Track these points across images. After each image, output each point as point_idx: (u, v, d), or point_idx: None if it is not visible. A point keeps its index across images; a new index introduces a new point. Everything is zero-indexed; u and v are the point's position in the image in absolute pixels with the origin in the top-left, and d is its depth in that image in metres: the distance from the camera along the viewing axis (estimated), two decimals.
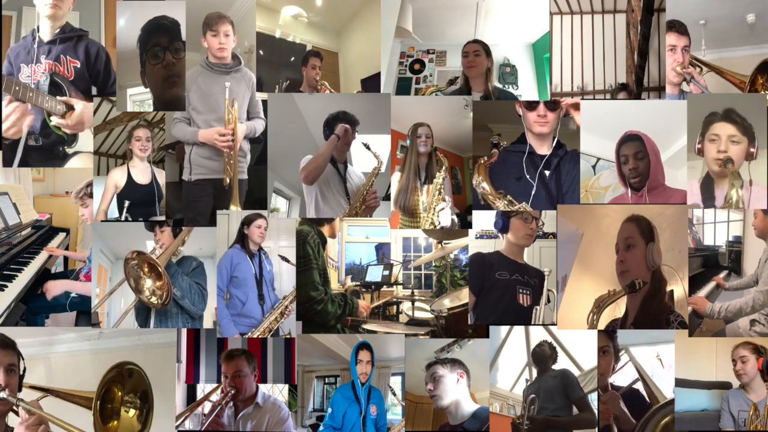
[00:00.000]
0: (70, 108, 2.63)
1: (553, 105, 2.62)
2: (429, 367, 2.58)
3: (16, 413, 2.09)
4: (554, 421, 2.52)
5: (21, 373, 2.19)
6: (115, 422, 2.32)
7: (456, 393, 2.55)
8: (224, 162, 2.64)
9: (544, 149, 2.64)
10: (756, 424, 2.53)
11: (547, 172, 2.62)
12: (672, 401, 2.58)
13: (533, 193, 2.60)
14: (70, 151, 2.67)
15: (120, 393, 2.34)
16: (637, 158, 2.55)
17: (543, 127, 2.62)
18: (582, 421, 2.53)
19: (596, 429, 2.55)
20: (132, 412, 2.36)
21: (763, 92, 2.61)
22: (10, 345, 2.18)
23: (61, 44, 2.63)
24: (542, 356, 2.58)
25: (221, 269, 2.65)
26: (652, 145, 2.55)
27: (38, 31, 2.63)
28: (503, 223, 2.58)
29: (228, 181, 2.65)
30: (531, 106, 2.63)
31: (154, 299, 2.53)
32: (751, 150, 2.55)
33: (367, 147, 2.69)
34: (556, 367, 2.59)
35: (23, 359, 2.21)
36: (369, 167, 2.71)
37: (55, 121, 2.62)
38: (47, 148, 2.66)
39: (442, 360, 2.59)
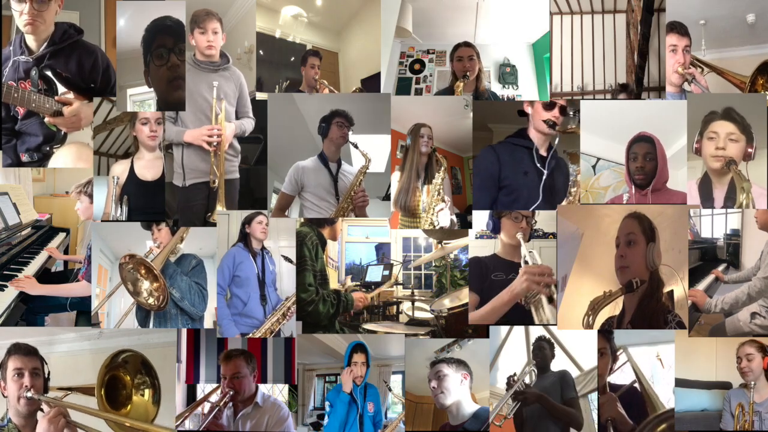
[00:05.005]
0: (66, 104, 2.60)
1: (563, 110, 2.61)
2: (433, 365, 2.58)
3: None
4: (546, 399, 2.52)
5: (46, 376, 2.37)
6: (128, 407, 2.46)
7: (459, 393, 2.55)
8: (211, 162, 2.64)
9: (543, 150, 2.64)
10: (743, 422, 2.53)
11: (545, 172, 2.62)
12: (670, 411, 2.58)
13: (542, 184, 2.60)
14: (55, 149, 2.65)
15: (128, 377, 2.47)
16: (646, 158, 2.58)
17: (551, 129, 2.62)
18: (571, 415, 2.53)
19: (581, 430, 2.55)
20: (147, 393, 2.50)
21: (763, 92, 2.61)
22: (32, 351, 2.36)
23: (51, 59, 2.59)
24: (542, 352, 2.59)
25: (223, 268, 2.65)
26: (662, 149, 2.58)
27: (24, 42, 2.58)
28: (494, 224, 2.59)
29: (215, 181, 2.64)
30: (549, 105, 2.61)
31: (151, 300, 2.53)
32: (749, 150, 2.56)
33: (355, 146, 2.68)
34: (555, 364, 2.60)
35: (47, 364, 2.38)
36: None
37: (49, 119, 2.61)
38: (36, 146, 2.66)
39: (447, 359, 2.58)
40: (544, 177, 2.60)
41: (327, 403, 2.65)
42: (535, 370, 2.59)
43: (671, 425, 2.56)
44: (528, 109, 2.64)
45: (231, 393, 2.57)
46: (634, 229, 2.49)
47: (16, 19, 2.56)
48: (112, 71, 2.65)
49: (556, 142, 2.62)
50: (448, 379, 2.54)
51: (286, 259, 2.65)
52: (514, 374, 2.58)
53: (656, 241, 2.48)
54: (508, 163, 2.61)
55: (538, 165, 2.60)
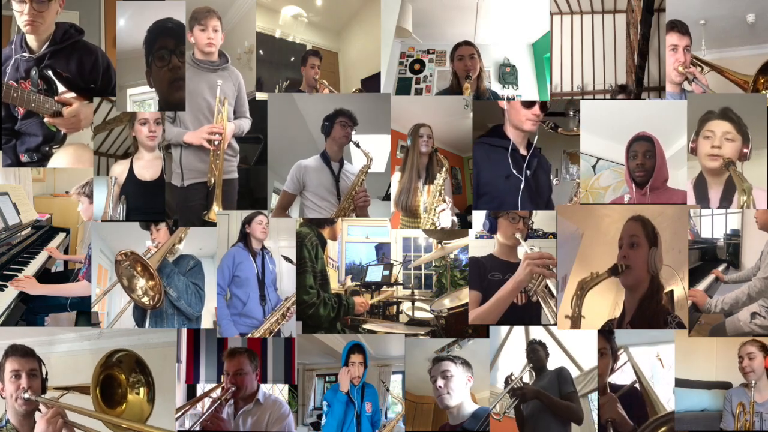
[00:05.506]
0: (66, 105, 2.61)
1: (543, 107, 2.61)
2: (437, 362, 2.57)
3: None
4: (544, 395, 2.52)
5: (44, 376, 2.39)
6: (123, 406, 2.47)
7: (463, 394, 2.55)
8: (210, 161, 2.64)
9: (522, 149, 2.64)
10: (743, 421, 2.53)
11: (528, 172, 2.62)
12: (670, 413, 2.58)
13: (522, 187, 2.60)
14: (56, 151, 2.65)
15: (123, 376, 2.48)
16: (645, 156, 2.58)
17: (535, 126, 2.61)
18: (570, 409, 2.51)
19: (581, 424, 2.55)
20: (141, 391, 2.50)
21: (763, 92, 2.61)
22: (30, 353, 2.38)
23: (51, 59, 2.59)
24: (535, 354, 2.60)
25: (223, 268, 2.65)
26: (660, 148, 2.59)
27: (25, 42, 2.59)
28: (491, 224, 2.59)
29: (212, 181, 2.64)
30: (529, 104, 2.61)
31: (145, 299, 2.54)
32: (745, 150, 2.56)
33: (357, 145, 2.68)
34: (551, 363, 2.60)
35: (44, 364, 2.40)
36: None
37: (49, 119, 2.61)
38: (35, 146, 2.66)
39: (453, 357, 2.57)
40: (523, 181, 2.59)
41: (324, 403, 2.65)
42: (533, 372, 2.59)
43: (671, 428, 2.56)
44: (504, 105, 2.64)
45: (233, 389, 2.58)
46: (637, 233, 2.48)
47: (17, 18, 2.56)
48: (113, 71, 2.65)
49: (536, 139, 2.63)
50: (455, 380, 2.53)
51: (287, 259, 2.65)
52: (512, 374, 2.58)
53: (658, 246, 2.48)
54: (486, 166, 2.62)
55: (515, 172, 2.60)
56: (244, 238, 2.68)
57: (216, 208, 2.65)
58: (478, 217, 2.64)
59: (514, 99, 2.76)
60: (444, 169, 2.68)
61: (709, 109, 2.58)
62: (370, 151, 2.67)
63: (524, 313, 2.54)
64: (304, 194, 2.70)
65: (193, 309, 2.63)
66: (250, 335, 2.62)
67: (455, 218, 2.70)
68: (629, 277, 2.47)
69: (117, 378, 2.48)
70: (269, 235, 2.68)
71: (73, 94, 2.61)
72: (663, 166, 2.59)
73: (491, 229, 2.60)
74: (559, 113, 2.65)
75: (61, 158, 2.65)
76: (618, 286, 2.50)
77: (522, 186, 2.60)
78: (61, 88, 2.60)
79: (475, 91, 2.73)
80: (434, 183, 2.68)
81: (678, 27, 2.66)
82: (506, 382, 2.57)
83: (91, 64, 2.63)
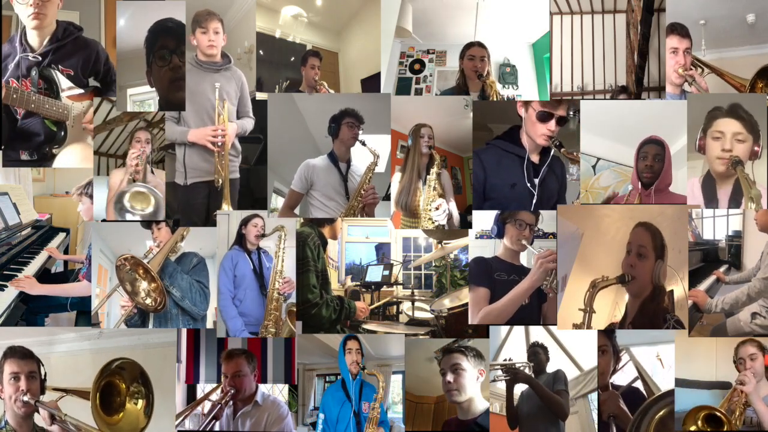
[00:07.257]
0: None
1: (561, 121, 2.57)
2: (447, 353, 2.55)
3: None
4: (534, 382, 2.51)
5: (42, 377, 2.39)
6: (121, 414, 2.45)
7: (473, 390, 2.54)
8: (215, 161, 2.64)
9: (534, 156, 2.63)
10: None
11: (536, 180, 2.61)
12: (668, 393, 2.55)
13: (534, 202, 2.59)
14: (56, 151, 2.66)
15: (123, 385, 2.46)
16: (655, 159, 2.58)
17: (548, 141, 2.59)
18: (556, 402, 2.50)
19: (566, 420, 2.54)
20: (140, 403, 2.48)
21: (762, 93, 2.61)
22: (28, 355, 2.38)
23: (53, 54, 2.61)
24: (536, 357, 2.60)
25: (226, 270, 2.65)
26: (669, 154, 2.59)
27: (26, 39, 2.60)
28: (498, 229, 2.59)
29: (220, 181, 2.65)
30: (545, 118, 2.56)
31: (148, 301, 2.53)
32: (756, 149, 2.54)
33: (363, 143, 2.68)
34: (553, 365, 2.60)
35: (43, 365, 2.40)
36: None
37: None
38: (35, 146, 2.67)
39: (465, 348, 2.55)
40: (536, 196, 2.58)
41: (321, 416, 2.63)
42: (531, 371, 2.59)
43: (672, 411, 2.54)
44: (521, 112, 2.62)
45: (232, 392, 2.58)
46: (646, 243, 2.49)
47: (20, 13, 2.57)
48: (111, 64, 2.68)
49: (552, 150, 2.61)
50: (466, 375, 2.51)
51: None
52: (512, 358, 2.57)
53: (665, 259, 2.49)
54: (495, 171, 2.61)
55: (529, 185, 2.59)
56: (240, 239, 2.68)
57: (226, 207, 2.65)
58: (479, 217, 2.64)
59: (513, 99, 2.75)
60: (437, 162, 2.67)
61: (716, 105, 2.56)
62: (376, 148, 2.67)
63: (525, 313, 2.54)
64: (311, 194, 2.70)
65: (198, 308, 2.63)
66: (261, 332, 2.61)
67: (455, 213, 2.69)
68: (634, 285, 2.49)
69: (117, 386, 2.46)
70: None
71: (76, 87, 2.62)
72: (668, 171, 2.59)
73: (498, 234, 2.60)
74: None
75: (66, 157, 2.65)
76: (618, 287, 2.49)
77: (534, 201, 2.59)
78: (64, 84, 2.61)
79: (481, 92, 2.72)
80: (428, 178, 2.67)
81: (678, 30, 2.66)
82: (505, 360, 2.57)
83: (94, 56, 2.66)
